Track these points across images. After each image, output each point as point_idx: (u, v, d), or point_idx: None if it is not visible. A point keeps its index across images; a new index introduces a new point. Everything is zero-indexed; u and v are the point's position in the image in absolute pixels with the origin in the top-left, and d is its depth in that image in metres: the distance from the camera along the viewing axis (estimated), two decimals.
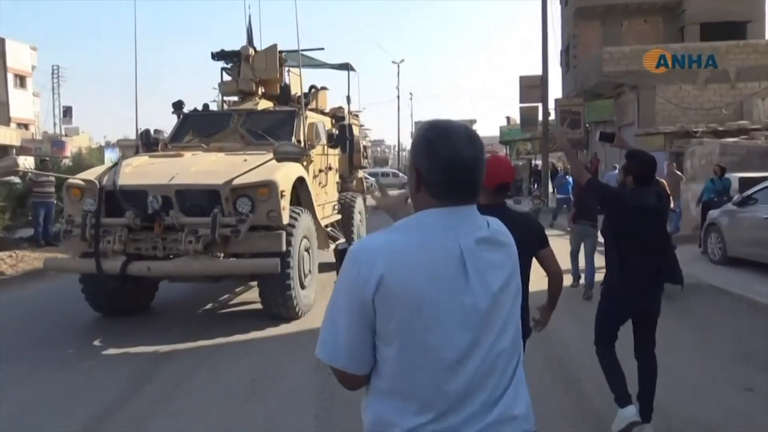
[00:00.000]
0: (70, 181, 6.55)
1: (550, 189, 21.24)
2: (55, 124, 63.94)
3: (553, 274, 3.01)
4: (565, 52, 28.28)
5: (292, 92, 9.01)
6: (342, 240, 8.91)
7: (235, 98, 9.09)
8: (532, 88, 22.08)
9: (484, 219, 1.43)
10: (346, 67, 10.50)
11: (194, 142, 7.93)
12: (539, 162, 39.94)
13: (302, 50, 8.97)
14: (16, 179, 11.77)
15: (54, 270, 6.75)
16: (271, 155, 6.43)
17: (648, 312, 3.71)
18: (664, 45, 19.60)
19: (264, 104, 8.58)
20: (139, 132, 8.20)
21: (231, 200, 6.08)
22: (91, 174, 6.60)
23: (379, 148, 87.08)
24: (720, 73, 18.78)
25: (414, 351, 1.31)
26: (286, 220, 6.27)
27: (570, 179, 13.97)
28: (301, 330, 6.26)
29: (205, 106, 8.82)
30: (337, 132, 8.54)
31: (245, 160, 6.69)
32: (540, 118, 22.84)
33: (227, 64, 9.03)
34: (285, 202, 6.28)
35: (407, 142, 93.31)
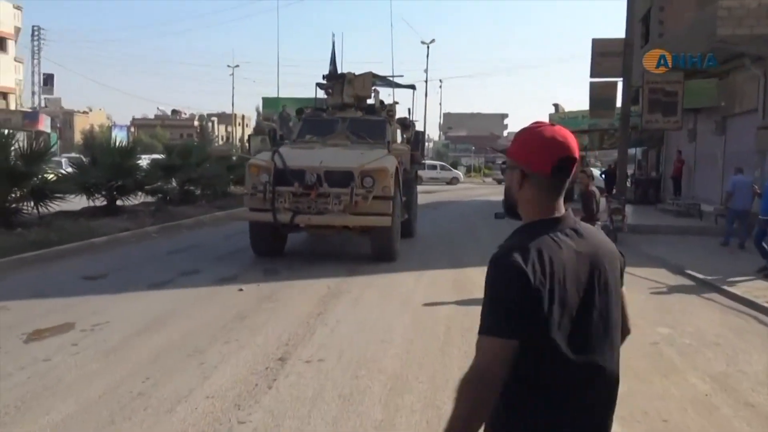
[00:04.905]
0: (251, 161, 9.93)
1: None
2: (33, 93, 56.37)
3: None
4: (643, 21, 22.14)
5: (374, 104, 12.42)
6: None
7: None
8: (610, 56, 16.24)
9: None
10: (411, 86, 14.01)
11: (314, 139, 11.22)
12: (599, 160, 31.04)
13: (388, 76, 12.37)
14: None
15: (239, 220, 10.02)
16: (374, 149, 9.91)
17: None
18: None
19: (359, 114, 11.90)
20: (268, 130, 11.70)
21: (360, 178, 9.40)
22: (262, 157, 10.00)
23: None
24: None
25: None
26: (392, 193, 9.59)
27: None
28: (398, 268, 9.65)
29: (316, 112, 12.19)
30: (411, 136, 11.92)
31: (362, 153, 10.04)
32: (619, 99, 16.68)
33: (330, 83, 12.38)
34: (393, 182, 9.61)
35: (434, 132, 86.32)
